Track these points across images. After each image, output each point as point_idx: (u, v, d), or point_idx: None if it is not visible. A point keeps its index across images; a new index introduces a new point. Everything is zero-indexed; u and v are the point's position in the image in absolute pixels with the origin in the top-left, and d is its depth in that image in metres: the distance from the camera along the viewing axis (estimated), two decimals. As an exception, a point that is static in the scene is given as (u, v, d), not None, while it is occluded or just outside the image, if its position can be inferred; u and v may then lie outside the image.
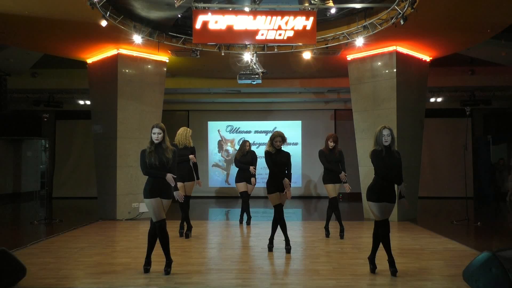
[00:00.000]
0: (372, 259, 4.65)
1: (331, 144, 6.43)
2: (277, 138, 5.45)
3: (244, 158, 7.74)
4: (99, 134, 8.94)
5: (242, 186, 7.72)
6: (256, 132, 13.22)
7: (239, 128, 13.39)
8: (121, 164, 8.44)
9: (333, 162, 6.44)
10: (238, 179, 7.76)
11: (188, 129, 6.72)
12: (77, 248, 5.85)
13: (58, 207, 11.30)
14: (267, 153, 5.49)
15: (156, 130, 4.51)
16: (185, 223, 6.73)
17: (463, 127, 9.56)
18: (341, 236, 6.49)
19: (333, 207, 6.51)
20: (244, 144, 7.84)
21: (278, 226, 5.62)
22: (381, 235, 4.49)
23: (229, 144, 13.34)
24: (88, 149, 12.41)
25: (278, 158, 5.47)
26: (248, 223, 7.77)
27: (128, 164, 8.50)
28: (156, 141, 4.49)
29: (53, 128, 13.57)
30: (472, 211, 9.76)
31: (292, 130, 13.11)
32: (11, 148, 13.55)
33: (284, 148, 5.67)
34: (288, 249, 5.54)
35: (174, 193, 4.55)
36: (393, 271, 4.48)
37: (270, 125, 13.14)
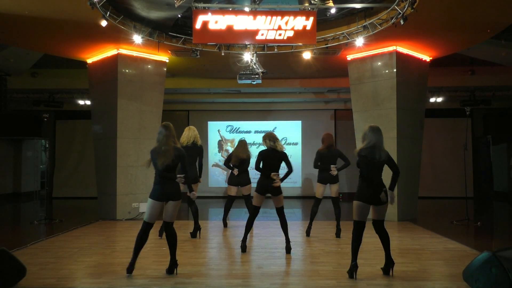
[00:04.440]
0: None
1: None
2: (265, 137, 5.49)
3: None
4: (99, 134, 8.95)
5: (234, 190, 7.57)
6: (256, 132, 13.22)
7: (239, 128, 13.39)
8: (121, 164, 8.44)
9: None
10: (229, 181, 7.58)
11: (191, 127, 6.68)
12: (77, 248, 5.85)
13: (58, 207, 11.30)
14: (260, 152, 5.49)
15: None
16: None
17: (463, 127, 9.55)
18: (337, 234, 6.61)
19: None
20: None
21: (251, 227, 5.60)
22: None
23: (229, 144, 13.34)
24: (88, 149, 12.43)
25: (268, 159, 5.43)
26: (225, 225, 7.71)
27: (128, 164, 8.49)
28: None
29: (53, 128, 13.58)
30: (472, 211, 9.77)
31: (292, 130, 13.14)
32: (11, 148, 13.55)
33: (285, 148, 5.66)
34: (288, 248, 5.54)
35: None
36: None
37: (270, 125, 13.14)
